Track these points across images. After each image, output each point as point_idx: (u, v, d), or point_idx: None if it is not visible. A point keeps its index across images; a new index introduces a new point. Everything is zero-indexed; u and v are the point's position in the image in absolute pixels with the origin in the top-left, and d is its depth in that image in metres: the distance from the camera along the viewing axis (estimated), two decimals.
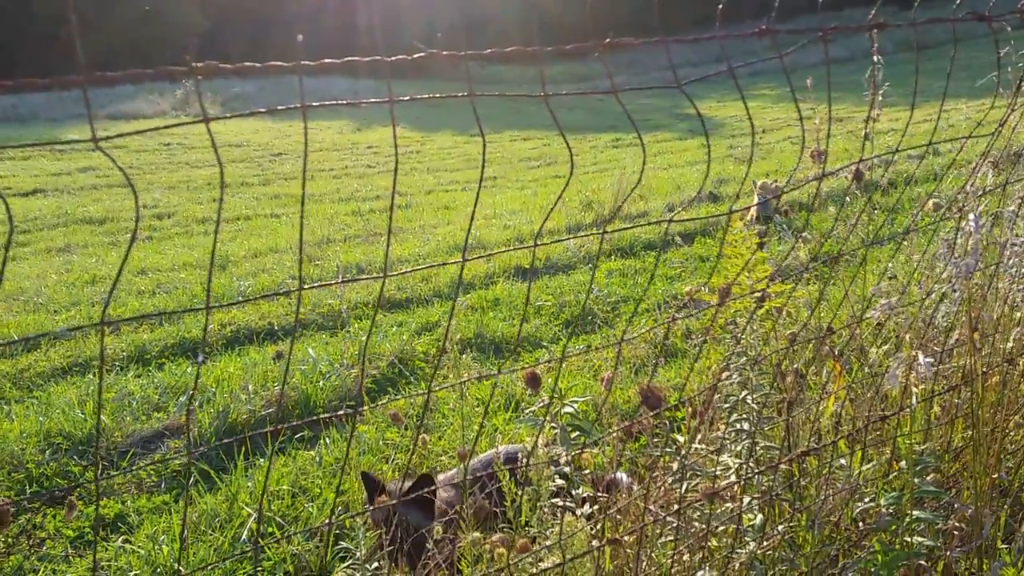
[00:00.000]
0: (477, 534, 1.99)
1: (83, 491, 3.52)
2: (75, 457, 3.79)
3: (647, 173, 12.10)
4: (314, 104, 1.04)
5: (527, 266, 6.91)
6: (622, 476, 2.63)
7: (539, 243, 1.31)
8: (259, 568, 2.78)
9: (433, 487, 2.20)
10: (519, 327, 5.19)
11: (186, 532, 2.96)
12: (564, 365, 4.53)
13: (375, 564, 1.98)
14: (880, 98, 1.99)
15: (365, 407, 4.25)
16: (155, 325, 5.76)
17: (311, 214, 10.62)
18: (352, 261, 7.43)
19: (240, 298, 6.47)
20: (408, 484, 2.22)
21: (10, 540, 3.05)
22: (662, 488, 1.93)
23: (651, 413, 1.39)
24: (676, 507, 1.93)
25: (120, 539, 3.05)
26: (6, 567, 2.91)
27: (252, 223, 10.25)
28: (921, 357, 1.50)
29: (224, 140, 18.80)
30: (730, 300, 1.54)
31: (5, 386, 4.71)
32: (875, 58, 1.78)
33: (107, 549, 3.01)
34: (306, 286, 0.98)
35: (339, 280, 1.05)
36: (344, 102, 1.02)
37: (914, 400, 1.71)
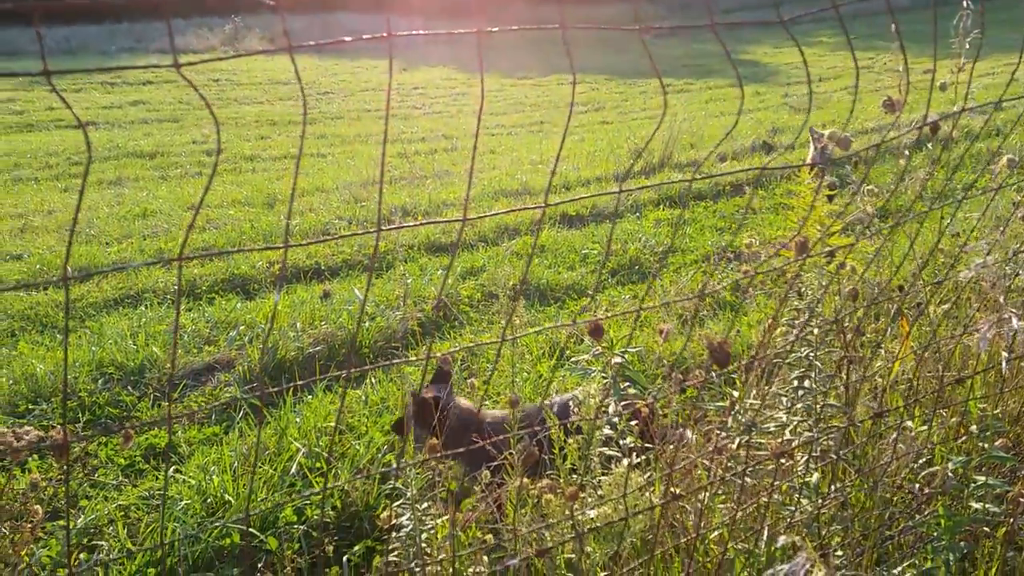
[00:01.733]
0: (525, 480, 1.98)
1: (135, 421, 3.60)
2: (127, 388, 3.87)
3: (698, 121, 11.84)
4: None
5: (573, 213, 6.84)
6: (685, 431, 2.61)
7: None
8: (307, 502, 2.83)
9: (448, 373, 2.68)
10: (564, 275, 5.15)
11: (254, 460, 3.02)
12: (611, 314, 4.50)
13: (425, 504, 1.99)
14: (967, 47, 1.88)
15: (409, 349, 4.28)
16: (205, 260, 5.83)
17: (356, 155, 10.61)
18: (397, 203, 7.42)
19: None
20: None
21: (64, 468, 3.13)
22: (715, 443, 1.90)
23: (721, 371, 1.35)
24: (730, 462, 1.90)
25: (171, 469, 3.13)
26: (63, 492, 3.00)
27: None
28: (1015, 320, 1.43)
29: (271, 77, 18.78)
30: (805, 255, 1.48)
31: (59, 316, 4.81)
32: (965, 2, 1.68)
33: (157, 478, 3.09)
34: (386, 227, 0.96)
35: (422, 222, 1.03)
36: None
37: (1003, 364, 1.65)
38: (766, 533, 1.95)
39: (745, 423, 1.85)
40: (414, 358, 3.91)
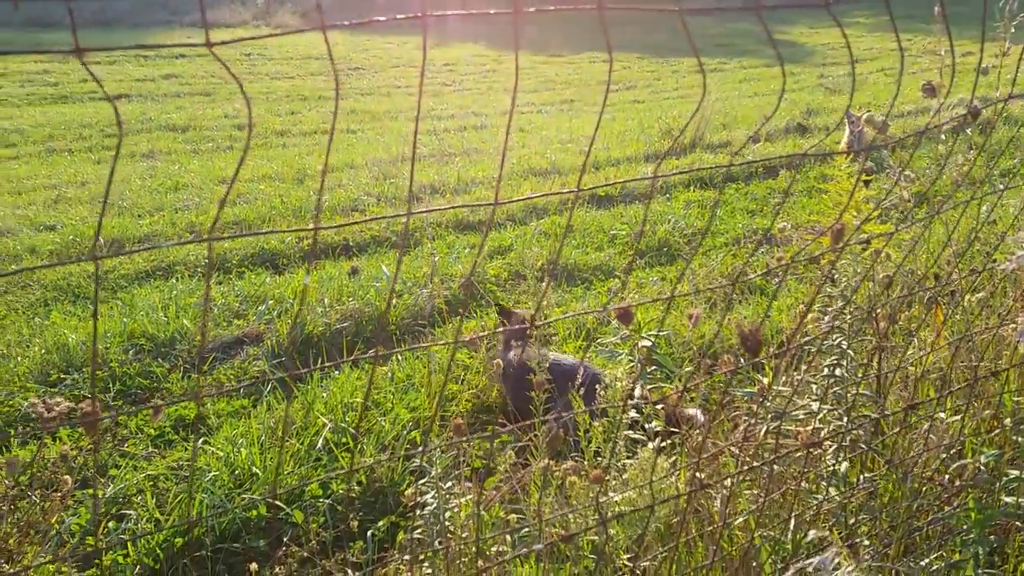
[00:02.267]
0: (549, 461, 1.98)
1: (164, 393, 3.64)
2: (158, 359, 3.92)
3: (731, 101, 11.69)
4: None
5: (602, 194, 6.80)
6: (696, 412, 2.60)
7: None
8: (333, 477, 2.85)
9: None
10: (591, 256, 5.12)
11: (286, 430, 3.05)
12: (638, 297, 4.47)
13: (449, 483, 2.00)
14: (1012, 31, 1.83)
15: (436, 328, 4.28)
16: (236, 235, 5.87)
17: (386, 131, 10.61)
18: (426, 181, 7.41)
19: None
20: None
21: (95, 437, 3.18)
22: (743, 429, 1.89)
23: (752, 359, 1.33)
24: (758, 449, 1.89)
25: (200, 440, 3.16)
26: (92, 463, 3.05)
27: (328, 137, 10.29)
28: None
29: (303, 52, 18.79)
30: (843, 244, 1.45)
31: (91, 287, 4.87)
32: None
33: (186, 449, 3.12)
34: (416, 210, 0.95)
35: (453, 205, 1.01)
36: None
37: None
38: (793, 522, 1.93)
39: (774, 410, 1.83)
40: (442, 340, 3.91)
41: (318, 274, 4.96)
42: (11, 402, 3.48)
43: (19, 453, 3.09)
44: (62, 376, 3.72)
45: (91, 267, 5.15)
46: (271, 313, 4.41)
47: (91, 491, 2.84)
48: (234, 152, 9.41)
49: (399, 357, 3.82)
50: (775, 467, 1.96)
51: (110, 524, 2.67)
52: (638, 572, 1.83)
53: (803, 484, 1.97)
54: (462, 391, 3.49)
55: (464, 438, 1.66)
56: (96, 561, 2.52)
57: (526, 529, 1.90)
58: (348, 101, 13.25)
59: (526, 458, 2.52)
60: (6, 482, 1.79)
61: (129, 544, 2.56)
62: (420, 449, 1.33)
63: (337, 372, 3.64)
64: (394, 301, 4.44)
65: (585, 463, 1.94)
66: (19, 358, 3.82)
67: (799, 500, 1.97)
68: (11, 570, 2.16)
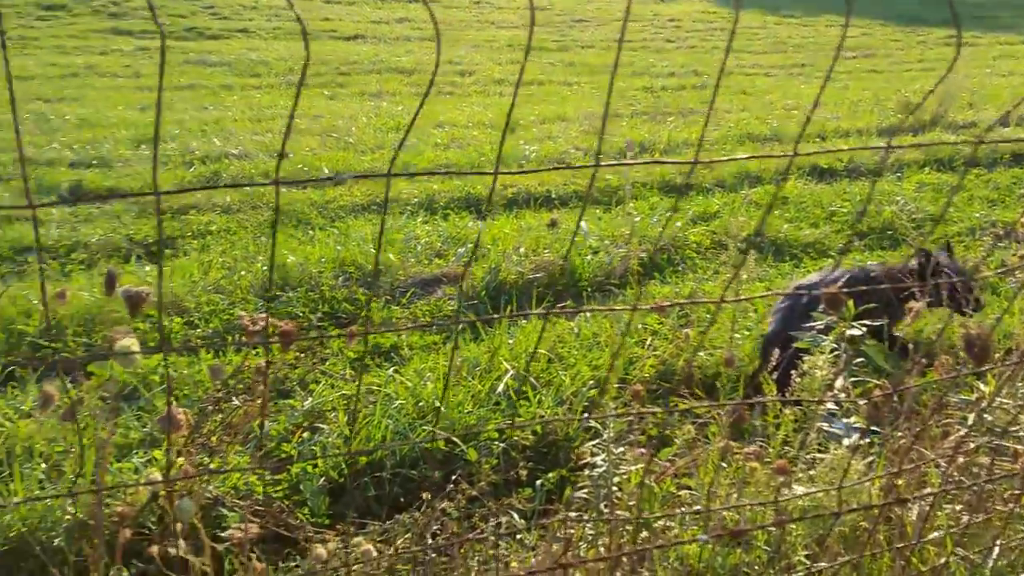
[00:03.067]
0: (732, 442, 1.89)
1: (366, 319, 3.84)
2: (363, 287, 4.13)
3: (981, 79, 10.55)
4: None
5: (825, 166, 6.37)
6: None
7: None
8: (511, 423, 2.89)
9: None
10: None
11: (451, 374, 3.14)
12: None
13: (621, 448, 1.96)
14: None
15: (628, 290, 4.21)
16: (444, 178, 6.05)
17: (602, 86, 10.50)
18: (636, 138, 7.27)
19: (523, 163, 6.61)
20: None
21: (298, 354, 3.40)
22: (954, 440, 1.70)
23: (978, 367, 1.17)
24: (966, 465, 1.70)
25: (391, 368, 3.31)
26: (293, 376, 3.27)
27: (544, 89, 10.34)
28: None
29: (525, 3, 18.90)
30: None
31: (312, 214, 5.21)
32: None
33: (379, 375, 3.28)
34: (605, 162, 0.89)
35: (641, 161, 0.95)
36: None
37: None
38: (997, 549, 1.73)
39: (993, 425, 1.63)
40: (621, 306, 3.83)
41: (517, 223, 5.02)
42: (231, 311, 3.80)
43: (233, 359, 3.37)
44: (278, 293, 4.02)
45: (314, 195, 5.51)
46: (469, 256, 4.52)
47: (292, 401, 3.06)
48: (454, 97, 9.67)
49: (587, 314, 3.79)
50: (986, 487, 1.76)
51: (304, 435, 2.86)
52: (815, 573, 1.71)
53: (1015, 510, 1.75)
54: (644, 355, 3.41)
55: (638, 406, 1.61)
56: (288, 467, 2.71)
57: (696, 508, 1.83)
58: (568, 53, 13.22)
59: (706, 435, 2.43)
60: (215, 383, 1.95)
61: (319, 456, 2.73)
62: (583, 414, 1.29)
63: (525, 321, 3.67)
64: (588, 258, 4.41)
65: (770, 450, 1.83)
66: (243, 272, 4.15)
67: (1009, 526, 1.76)
68: (213, 466, 2.37)
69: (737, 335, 3.52)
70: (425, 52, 12.75)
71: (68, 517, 2.21)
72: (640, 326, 3.70)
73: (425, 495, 2.33)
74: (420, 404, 3.01)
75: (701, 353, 3.41)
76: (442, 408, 2.95)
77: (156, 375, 3.24)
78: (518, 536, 2.39)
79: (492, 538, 2.25)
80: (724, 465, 2.01)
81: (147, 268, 4.26)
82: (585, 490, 2.04)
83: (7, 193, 5.37)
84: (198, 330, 3.67)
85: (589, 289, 4.24)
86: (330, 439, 2.82)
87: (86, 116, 7.55)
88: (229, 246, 4.54)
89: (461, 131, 7.65)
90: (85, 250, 4.55)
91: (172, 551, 1.36)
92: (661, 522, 1.85)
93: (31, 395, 3.01)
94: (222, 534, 1.75)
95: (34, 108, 7.71)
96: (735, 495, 1.74)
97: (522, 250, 4.47)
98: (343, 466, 2.71)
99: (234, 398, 2.11)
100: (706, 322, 3.72)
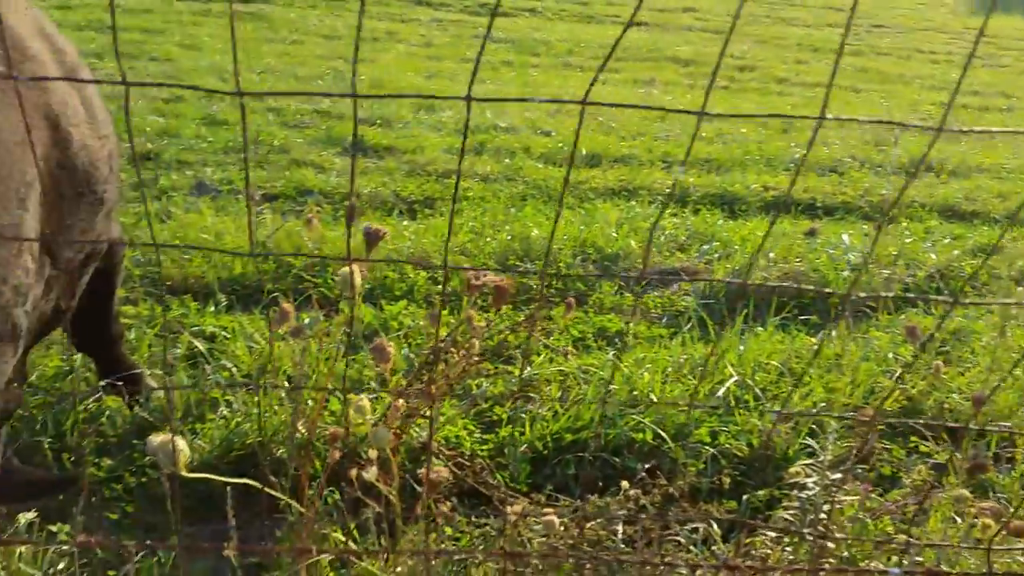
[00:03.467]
0: (965, 492, 1.67)
1: (597, 301, 3.83)
2: (599, 271, 4.13)
3: None
4: None
5: None
6: None
7: None
8: (725, 429, 2.77)
9: None
10: None
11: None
12: None
13: (837, 475, 1.80)
14: None
15: (882, 314, 3.87)
16: (701, 171, 5.92)
17: (893, 95, 9.70)
18: (918, 154, 6.64)
19: (792, 165, 6.28)
20: None
21: (519, 322, 3.45)
22: None
23: None
24: None
25: (612, 353, 3.29)
26: (511, 343, 3.34)
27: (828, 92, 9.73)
28: None
29: (823, 2, 17.87)
30: None
31: (568, 193, 5.27)
32: None
33: (598, 358, 3.26)
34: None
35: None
36: None
37: None
38: None
39: None
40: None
41: (759, 227, 4.79)
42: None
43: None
44: (517, 263, 4.13)
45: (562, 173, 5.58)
46: (713, 254, 4.37)
47: (511, 368, 3.14)
48: (728, 92, 9.38)
49: (832, 332, 3.53)
50: None
51: (517, 402, 2.92)
52: None
53: None
54: (890, 387, 3.11)
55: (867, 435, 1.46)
56: (497, 430, 2.79)
57: (912, 553, 1.64)
58: (861, 58, 12.34)
59: (940, 481, 2.16)
60: (446, 339, 2.03)
61: (528, 424, 2.78)
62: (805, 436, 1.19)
63: (760, 328, 3.49)
64: (844, 273, 4.10)
65: (1011, 509, 1.59)
66: (489, 239, 4.31)
67: None
68: (428, 413, 2.49)
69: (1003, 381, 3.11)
70: (705, 43, 12.46)
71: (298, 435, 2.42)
72: (890, 355, 3.38)
73: (624, 483, 2.29)
74: (634, 393, 2.97)
75: (954, 395, 3.05)
76: (655, 400, 2.88)
77: (396, 320, 3.46)
78: (713, 547, 2.28)
79: (683, 540, 2.17)
80: (957, 518, 1.78)
81: (405, 223, 4.54)
82: (792, 511, 1.90)
83: (301, 139, 5.96)
84: (439, 287, 3.86)
85: (839, 307, 3.94)
86: (540, 410, 2.86)
87: (378, 78, 8.19)
88: (480, 213, 4.72)
89: (730, 126, 7.40)
90: (355, 199, 4.95)
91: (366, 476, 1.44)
92: (871, 563, 1.67)
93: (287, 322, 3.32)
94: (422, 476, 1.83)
95: (335, 66, 8.48)
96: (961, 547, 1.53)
97: (772, 255, 4.25)
98: (548, 439, 2.74)
99: (455, 353, 2.19)
100: (967, 364, 3.32)
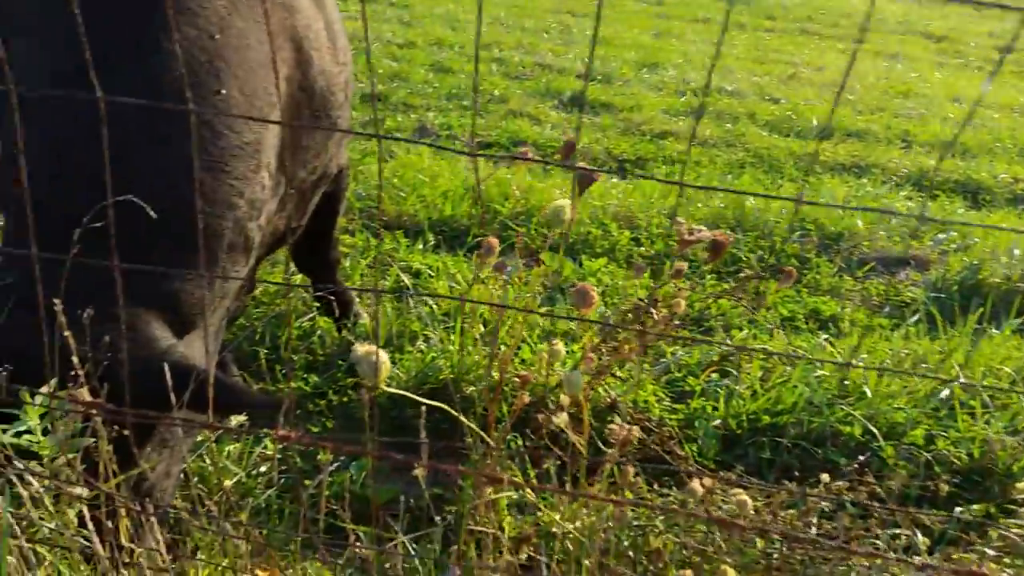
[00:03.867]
0: None
1: (812, 280, 3.60)
2: (818, 247, 3.87)
3: None
4: None
5: None
6: None
7: None
8: (944, 435, 2.51)
9: None
10: None
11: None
12: None
13: None
14: None
15: None
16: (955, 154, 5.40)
17: None
18: None
19: None
20: None
21: (728, 293, 3.28)
22: None
23: None
24: None
25: (824, 337, 3.07)
26: (715, 309, 3.20)
27: None
28: None
29: None
30: None
31: (788, 164, 4.97)
32: None
33: (808, 340, 3.06)
34: None
35: None
36: None
37: None
38: None
39: None
40: None
41: (1006, 221, 4.29)
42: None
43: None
44: (728, 232, 3.94)
45: (796, 145, 5.26)
46: (949, 245, 3.97)
47: (715, 338, 3.01)
48: (983, 73, 8.48)
49: None
50: None
51: (713, 375, 2.78)
52: None
53: None
54: None
55: None
56: (688, 400, 2.68)
57: None
58: None
59: None
60: (647, 299, 1.96)
61: (722, 399, 2.65)
62: None
63: (995, 331, 3.13)
64: None
65: None
66: (701, 205, 4.14)
67: None
68: (618, 373, 2.43)
69: None
70: (961, 19, 11.32)
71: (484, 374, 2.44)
72: None
73: (824, 476, 2.12)
74: (845, 383, 2.75)
75: None
76: (869, 393, 2.66)
77: (595, 277, 3.42)
78: (916, 557, 2.08)
79: (882, 546, 1.98)
80: None
81: (614, 180, 4.46)
82: (1014, 529, 1.68)
83: (520, 91, 6.00)
84: (642, 248, 3.76)
85: None
86: (737, 387, 2.72)
87: (604, 34, 8.08)
88: (696, 177, 4.56)
89: (981, 110, 6.68)
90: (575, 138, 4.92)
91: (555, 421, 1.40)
92: None
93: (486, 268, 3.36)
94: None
95: (561, 20, 8.46)
96: None
97: (1017, 252, 3.80)
98: (744, 418, 2.60)
99: (656, 313, 2.11)
100: None
